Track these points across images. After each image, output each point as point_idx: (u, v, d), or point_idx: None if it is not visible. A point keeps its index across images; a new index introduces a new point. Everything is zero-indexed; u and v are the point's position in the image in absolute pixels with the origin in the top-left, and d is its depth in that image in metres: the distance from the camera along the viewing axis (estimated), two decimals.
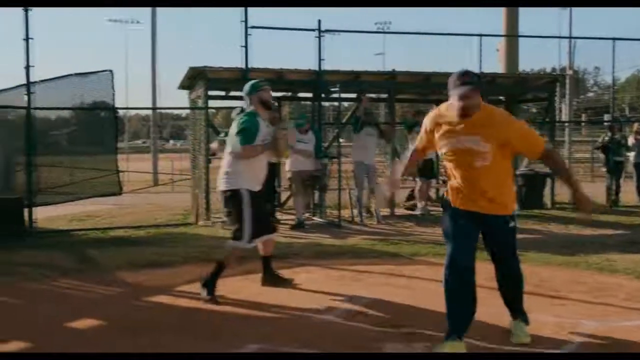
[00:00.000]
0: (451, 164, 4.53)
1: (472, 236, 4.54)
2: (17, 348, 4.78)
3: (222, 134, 10.97)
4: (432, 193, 13.54)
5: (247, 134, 6.02)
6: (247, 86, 6.29)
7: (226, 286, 6.53)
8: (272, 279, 6.52)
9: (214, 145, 11.23)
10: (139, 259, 8.12)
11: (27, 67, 10.20)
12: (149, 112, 38.77)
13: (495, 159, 4.34)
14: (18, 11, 10.18)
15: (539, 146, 4.47)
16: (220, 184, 6.20)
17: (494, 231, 4.60)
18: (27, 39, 10.24)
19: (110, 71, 10.95)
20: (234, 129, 6.16)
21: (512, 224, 4.57)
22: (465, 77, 4.28)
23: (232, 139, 6.15)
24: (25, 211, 10.24)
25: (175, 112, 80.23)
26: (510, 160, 4.55)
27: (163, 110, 55.21)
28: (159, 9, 27.75)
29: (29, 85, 10.23)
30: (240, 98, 12.57)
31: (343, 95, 12.55)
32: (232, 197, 6.09)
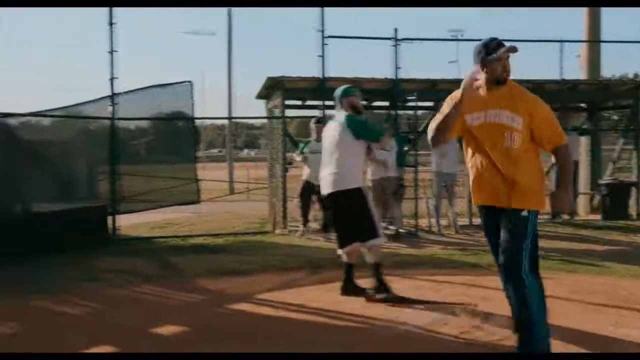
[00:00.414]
0: (474, 146, 4.32)
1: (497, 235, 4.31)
2: (104, 353, 4.91)
3: (302, 145, 11.02)
4: None
5: (372, 126, 6.28)
6: (338, 90, 6.48)
7: (303, 295, 6.58)
8: (351, 289, 6.50)
9: (294, 155, 11.29)
10: (218, 267, 8.24)
11: (112, 79, 10.52)
12: (224, 121, 39.42)
13: (525, 141, 4.14)
14: (104, 25, 10.54)
15: (560, 137, 4.22)
16: (335, 185, 6.28)
17: (505, 222, 4.20)
18: (111, 51, 10.56)
19: (190, 82, 11.20)
20: (343, 131, 6.26)
21: (525, 214, 4.15)
22: (497, 40, 4.19)
23: (346, 139, 6.25)
24: (109, 219, 10.56)
25: (250, 121, 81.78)
26: (538, 152, 4.30)
27: (238, 120, 56.04)
28: (235, 20, 28.07)
29: (113, 96, 10.54)
30: (316, 107, 12.73)
31: (419, 103, 12.46)
32: (353, 196, 6.22)
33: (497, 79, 4.17)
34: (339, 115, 6.42)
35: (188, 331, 5.48)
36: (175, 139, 12.45)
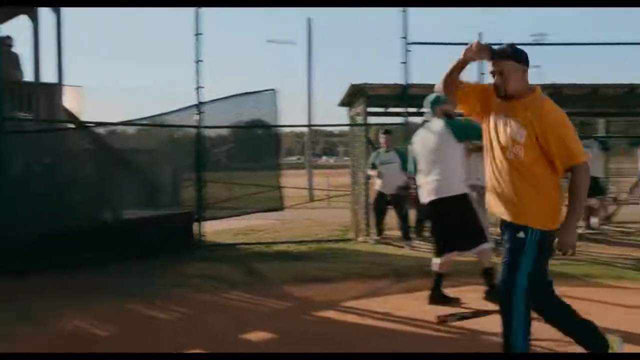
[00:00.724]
0: (485, 147, 4.04)
1: None
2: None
3: (373, 156, 11.02)
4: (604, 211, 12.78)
5: (472, 124, 6.35)
6: (430, 98, 6.46)
7: (388, 303, 6.53)
8: (439, 298, 6.41)
9: (368, 171, 11.27)
10: (303, 274, 8.27)
11: (198, 88, 10.75)
12: (302, 128, 39.68)
13: (531, 155, 3.74)
14: (190, 36, 10.78)
15: (575, 157, 3.70)
16: (439, 191, 6.25)
17: (504, 236, 3.95)
18: (197, 61, 10.80)
19: (274, 90, 11.32)
20: (443, 136, 6.24)
21: (522, 235, 3.81)
22: (496, 49, 3.81)
23: (448, 145, 6.24)
24: (195, 225, 10.77)
25: (328, 128, 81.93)
26: (558, 171, 3.79)
27: (317, 127, 56.30)
28: (314, 27, 28.23)
29: (199, 105, 10.76)
30: (399, 114, 12.64)
31: None
32: (459, 202, 6.22)
33: (496, 93, 3.87)
34: (435, 123, 6.38)
35: (276, 338, 5.51)
36: (258, 146, 12.61)
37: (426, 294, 6.46)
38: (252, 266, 9.01)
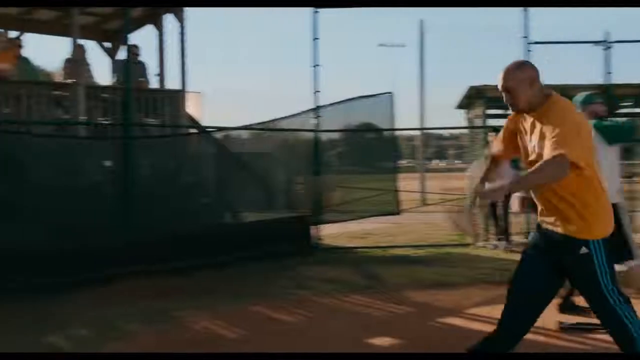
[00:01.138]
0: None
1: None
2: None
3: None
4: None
5: (624, 125, 6.09)
6: (580, 97, 6.20)
7: None
8: (569, 306, 6.14)
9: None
10: (423, 278, 8.16)
11: (315, 92, 10.85)
12: (413, 132, 39.33)
13: None
14: (307, 41, 10.89)
15: (555, 148, 3.36)
16: None
17: (564, 263, 3.72)
18: (315, 65, 10.89)
19: (390, 93, 11.25)
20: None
21: (584, 251, 3.58)
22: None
23: (598, 149, 6.01)
24: (312, 228, 10.85)
25: (439, 131, 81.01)
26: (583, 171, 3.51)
27: (428, 131, 55.81)
28: (426, 28, 27.92)
29: (317, 109, 10.85)
30: None
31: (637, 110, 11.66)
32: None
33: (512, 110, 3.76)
34: None
35: (401, 344, 5.44)
36: (374, 149, 12.56)
37: (555, 301, 6.20)
38: (371, 270, 8.97)
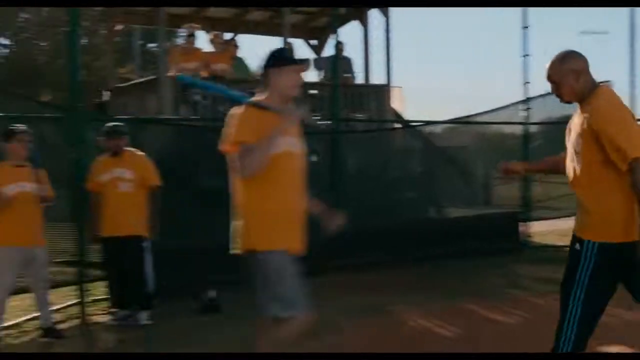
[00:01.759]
0: None
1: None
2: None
3: None
4: None
5: None
6: None
7: None
8: None
9: None
10: None
11: (525, 84, 10.40)
12: None
13: (590, 160, 3.35)
14: (517, 30, 10.47)
15: (627, 155, 3.20)
16: None
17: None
18: (524, 55, 10.45)
19: (609, 82, 10.48)
20: None
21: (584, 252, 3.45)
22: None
23: None
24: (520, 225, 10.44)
25: None
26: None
27: None
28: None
29: (527, 101, 10.41)
30: None
31: None
32: None
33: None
34: None
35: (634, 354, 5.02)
36: None
37: None
38: None
